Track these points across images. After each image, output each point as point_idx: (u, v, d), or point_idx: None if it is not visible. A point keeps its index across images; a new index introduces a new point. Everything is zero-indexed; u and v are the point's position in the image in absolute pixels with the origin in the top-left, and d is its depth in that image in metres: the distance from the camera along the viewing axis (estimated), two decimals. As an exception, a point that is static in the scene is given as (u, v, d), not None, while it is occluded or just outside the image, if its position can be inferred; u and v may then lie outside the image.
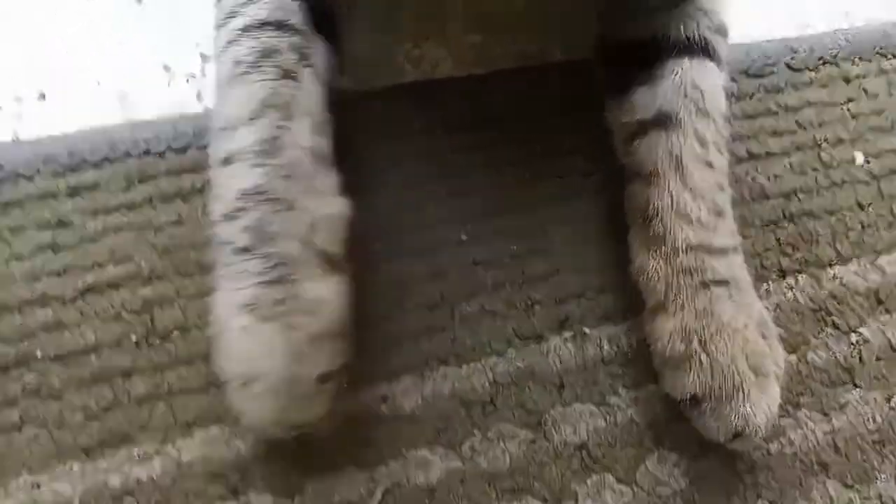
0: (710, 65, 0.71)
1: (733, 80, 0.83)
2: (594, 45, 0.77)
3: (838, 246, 0.77)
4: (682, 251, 0.63)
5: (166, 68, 0.76)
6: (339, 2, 0.68)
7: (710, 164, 0.66)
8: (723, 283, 0.63)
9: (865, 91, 0.87)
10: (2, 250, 0.64)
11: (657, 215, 0.64)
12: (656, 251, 0.64)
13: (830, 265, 0.76)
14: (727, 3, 0.77)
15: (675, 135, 0.66)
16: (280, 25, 0.58)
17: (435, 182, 0.73)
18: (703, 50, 0.71)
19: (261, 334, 0.52)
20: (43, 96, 0.73)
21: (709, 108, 0.68)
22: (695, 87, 0.68)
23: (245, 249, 0.53)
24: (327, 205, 0.57)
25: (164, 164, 0.69)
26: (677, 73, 0.69)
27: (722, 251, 0.64)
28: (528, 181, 0.75)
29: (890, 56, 0.90)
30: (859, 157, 0.82)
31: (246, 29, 0.57)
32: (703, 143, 0.67)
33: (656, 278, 0.64)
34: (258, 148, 0.54)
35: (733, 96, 0.83)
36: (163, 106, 0.74)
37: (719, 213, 0.66)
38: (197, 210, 0.67)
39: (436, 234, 0.70)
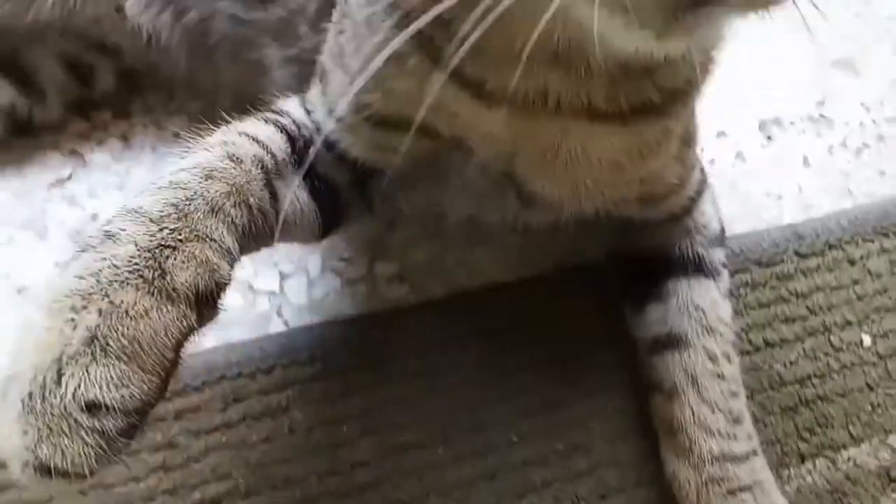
0: (707, 281, 0.82)
1: (747, 269, 0.93)
2: (610, 258, 0.88)
3: (851, 428, 0.86)
4: (708, 462, 0.72)
5: (250, 288, 0.88)
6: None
7: (721, 376, 0.77)
8: (748, 488, 0.72)
9: (869, 272, 0.96)
10: (121, 472, 0.74)
11: (681, 428, 0.74)
12: (685, 461, 0.74)
13: (844, 447, 0.85)
14: (719, 215, 0.88)
15: (687, 354, 0.77)
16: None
17: (486, 386, 0.83)
18: (697, 268, 0.82)
19: (38, 325, 0.46)
20: (148, 320, 0.84)
21: (712, 324, 0.79)
22: (696, 308, 0.79)
23: (89, 245, 0.50)
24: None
25: (255, 385, 0.80)
26: (679, 294, 0.81)
27: (744, 457, 0.74)
28: (569, 378, 0.85)
29: (890, 234, 1.00)
30: (867, 339, 0.91)
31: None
32: (712, 358, 0.77)
33: (688, 486, 0.73)
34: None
35: (748, 286, 0.93)
36: (249, 323, 0.85)
37: (737, 420, 0.75)
38: (283, 426, 0.78)
39: (488, 437, 0.80)
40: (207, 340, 0.83)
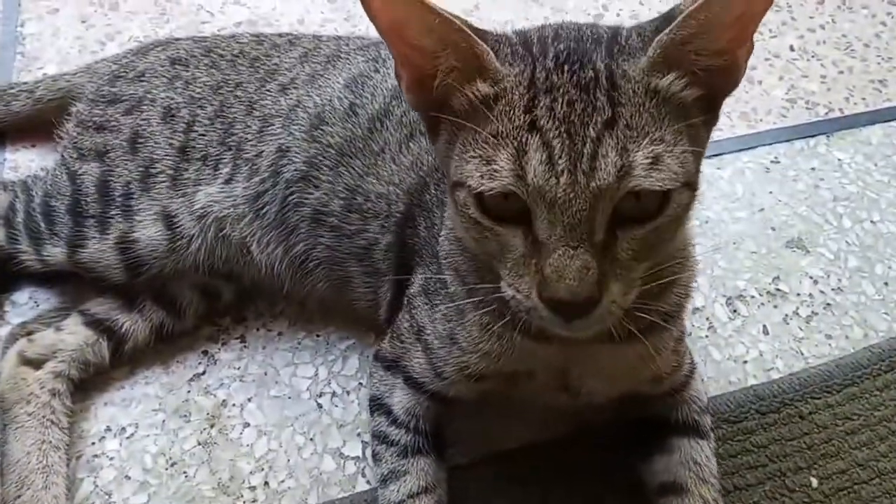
0: (702, 442, 1.10)
1: (718, 426, 1.21)
2: (620, 421, 1.17)
3: (803, 556, 1.12)
4: None
5: (340, 454, 1.18)
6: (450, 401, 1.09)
7: None
8: None
9: (816, 424, 1.24)
10: None
11: None
12: None
13: (799, 572, 1.10)
14: (705, 389, 1.17)
15: (688, 500, 1.04)
16: (426, 490, 1.00)
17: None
18: (694, 431, 1.11)
19: None
20: (267, 484, 1.14)
21: (706, 476, 1.06)
22: (695, 462, 1.07)
23: None
24: None
25: (350, 534, 1.08)
26: (681, 450, 1.09)
27: None
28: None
29: (834, 392, 1.28)
30: (814, 482, 1.18)
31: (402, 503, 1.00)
32: (706, 503, 1.04)
33: None
34: None
35: (719, 440, 1.20)
36: (341, 483, 1.15)
37: None
38: (373, 565, 1.06)
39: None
40: (312, 498, 1.12)
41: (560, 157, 0.71)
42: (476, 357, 0.96)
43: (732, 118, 1.69)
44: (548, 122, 0.72)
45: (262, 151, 1.19)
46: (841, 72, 1.82)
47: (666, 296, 0.92)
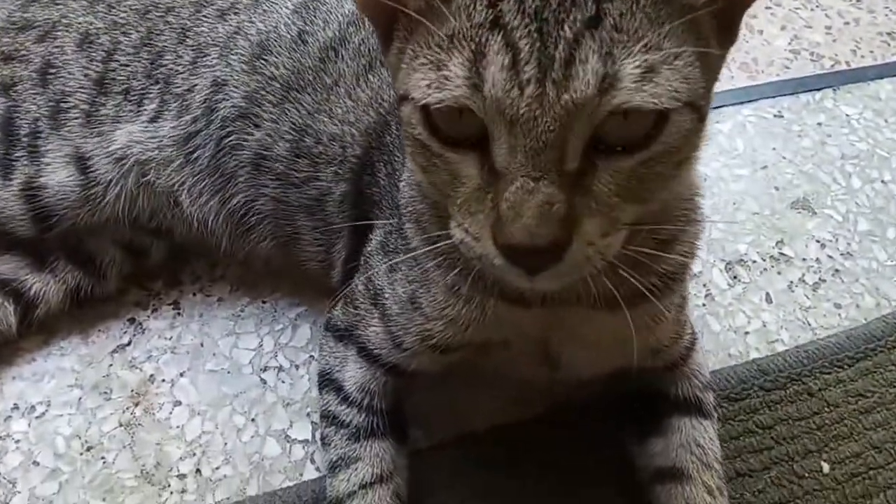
0: (706, 422, 0.96)
1: (718, 405, 1.07)
2: (611, 398, 1.02)
3: (814, 551, 0.98)
4: None
5: (287, 437, 1.02)
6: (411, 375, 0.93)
7: None
8: None
9: (827, 402, 1.10)
10: None
11: None
12: None
13: (809, 569, 0.97)
14: (707, 363, 1.02)
15: (689, 487, 0.90)
16: (382, 479, 0.85)
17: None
18: (696, 409, 0.97)
19: None
20: (199, 471, 0.98)
21: (710, 460, 0.92)
22: (698, 446, 0.93)
23: None
24: None
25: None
26: (681, 430, 0.94)
27: None
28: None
29: (845, 366, 1.14)
30: (825, 467, 1.04)
31: (352, 494, 0.84)
32: (710, 492, 0.90)
33: None
34: None
35: (719, 420, 1.06)
36: (286, 471, 0.99)
37: None
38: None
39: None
40: (251, 488, 0.97)
41: (527, 63, 0.55)
42: (441, 324, 0.81)
43: (732, 69, 1.53)
44: (514, 19, 0.55)
45: (195, 86, 1.02)
46: (847, 23, 1.68)
47: (667, 253, 0.76)
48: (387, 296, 0.87)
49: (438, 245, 0.72)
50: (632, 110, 0.55)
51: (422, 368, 0.89)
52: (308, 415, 1.04)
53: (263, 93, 1.00)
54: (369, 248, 0.93)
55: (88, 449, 0.99)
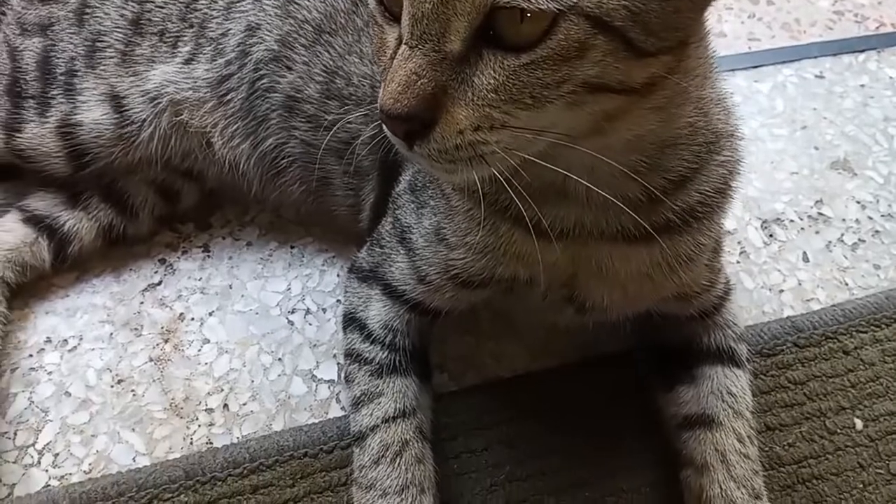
0: (738, 371, 0.94)
1: (750, 360, 1.05)
2: (640, 346, 1.01)
3: (844, 504, 0.96)
4: None
5: (313, 377, 1.02)
6: (434, 314, 0.92)
7: (747, 456, 0.88)
8: None
9: (862, 361, 1.07)
10: (206, 539, 0.88)
11: (710, 502, 0.85)
12: None
13: (838, 523, 0.94)
14: (742, 315, 1.00)
15: (720, 434, 0.88)
16: (404, 414, 0.84)
17: (516, 466, 0.95)
18: (730, 359, 0.95)
19: None
20: (226, 406, 0.99)
21: (741, 409, 0.91)
22: (729, 394, 0.91)
23: None
24: None
25: (318, 464, 0.93)
26: (713, 378, 0.92)
27: None
28: (594, 459, 0.96)
29: (883, 325, 1.11)
30: (859, 423, 1.02)
31: (375, 428, 0.84)
32: (741, 440, 0.88)
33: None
34: None
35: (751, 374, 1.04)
36: (312, 409, 1.00)
37: (757, 496, 0.86)
38: (342, 500, 0.91)
39: (519, 512, 0.92)
40: (277, 424, 0.97)
41: None
42: (463, 252, 0.80)
43: (773, 28, 1.50)
44: None
45: (229, 30, 1.03)
46: (894, -15, 1.63)
47: (692, 184, 0.74)
48: (413, 231, 0.86)
49: None
50: (508, 8, 0.54)
51: (444, 305, 0.89)
52: (334, 356, 1.04)
53: (296, 36, 1.00)
54: (398, 189, 0.93)
55: (119, 382, 1.00)
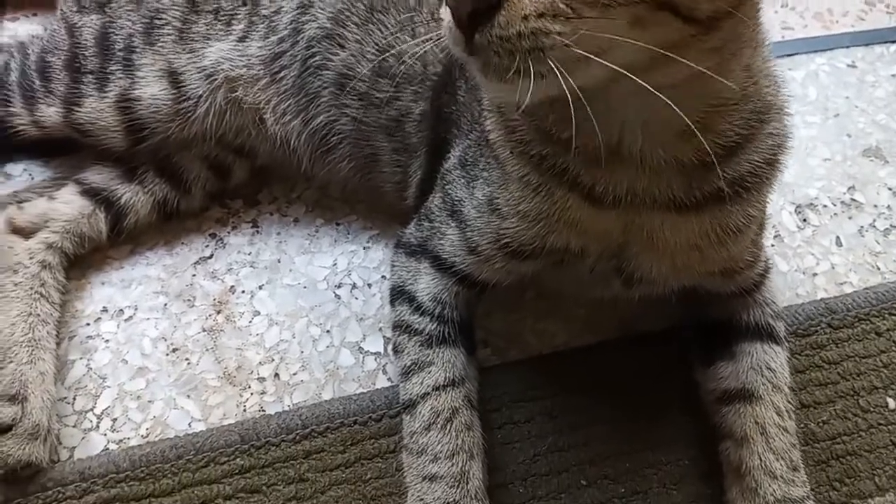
0: (777, 348, 0.97)
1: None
2: (683, 325, 1.03)
3: (876, 479, 0.98)
4: (771, 503, 0.85)
5: (360, 349, 1.06)
6: (482, 287, 0.95)
7: (785, 429, 0.90)
8: None
9: (894, 342, 1.09)
10: (260, 501, 0.91)
11: (749, 472, 0.88)
12: (750, 502, 0.87)
13: (871, 496, 0.97)
14: (779, 294, 1.03)
15: (759, 407, 0.91)
16: (454, 383, 0.87)
17: (559, 437, 0.98)
18: (769, 335, 0.97)
19: None
20: (277, 376, 1.02)
21: (780, 383, 0.93)
22: (769, 369, 0.94)
23: None
24: None
25: (367, 431, 0.96)
26: (753, 354, 0.95)
27: (801, 501, 0.87)
28: (634, 432, 0.99)
29: (915, 309, 1.13)
30: (891, 403, 1.04)
31: (426, 396, 0.87)
32: (780, 413, 0.91)
33: (752, 527, 0.86)
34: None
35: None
36: (360, 379, 1.03)
37: (795, 468, 0.89)
38: (391, 466, 0.94)
39: (561, 480, 0.95)
40: (326, 393, 1.00)
41: None
42: (515, 221, 0.82)
43: (806, 17, 1.52)
44: None
45: (282, 8, 1.06)
46: (926, -23, 1.64)
47: (743, 152, 0.76)
48: (465, 203, 0.89)
49: (515, 131, 0.77)
50: None
51: (493, 277, 0.91)
52: (380, 329, 1.07)
53: (348, 13, 1.03)
54: (448, 165, 0.95)
55: (174, 350, 1.03)
